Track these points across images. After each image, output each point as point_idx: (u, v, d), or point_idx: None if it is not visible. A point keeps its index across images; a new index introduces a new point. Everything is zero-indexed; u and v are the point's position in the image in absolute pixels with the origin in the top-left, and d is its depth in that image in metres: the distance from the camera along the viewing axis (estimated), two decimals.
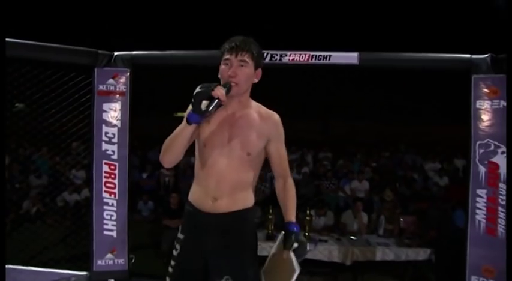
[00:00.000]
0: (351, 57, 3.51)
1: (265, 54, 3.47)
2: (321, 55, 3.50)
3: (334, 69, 3.70)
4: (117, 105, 3.80)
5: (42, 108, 4.51)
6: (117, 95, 3.81)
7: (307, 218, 5.70)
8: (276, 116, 2.21)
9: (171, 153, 2.09)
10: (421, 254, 5.33)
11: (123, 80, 3.81)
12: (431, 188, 9.33)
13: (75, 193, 8.44)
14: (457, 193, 6.84)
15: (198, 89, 1.96)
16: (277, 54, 3.51)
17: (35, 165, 9.88)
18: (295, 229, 2.10)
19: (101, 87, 3.78)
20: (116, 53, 3.83)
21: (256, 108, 2.19)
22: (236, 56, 2.06)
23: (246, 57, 2.07)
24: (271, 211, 5.72)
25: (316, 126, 27.62)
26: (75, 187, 8.59)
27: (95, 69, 3.77)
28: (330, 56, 3.51)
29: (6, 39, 3.37)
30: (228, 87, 2.00)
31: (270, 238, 5.57)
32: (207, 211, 2.15)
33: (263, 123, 2.15)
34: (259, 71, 2.16)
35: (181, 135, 2.04)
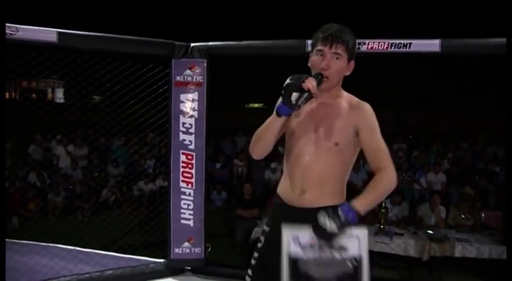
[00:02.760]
0: (432, 45, 3.32)
1: None
2: (400, 43, 3.35)
3: (409, 58, 3.55)
4: (194, 96, 3.83)
5: (121, 99, 4.66)
6: (194, 86, 3.84)
7: (383, 210, 5.57)
8: (366, 105, 2.07)
9: (261, 145, 2.05)
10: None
11: (199, 70, 3.83)
12: None
13: (151, 182, 8.70)
14: None
15: (288, 81, 1.89)
16: None
17: (114, 155, 10.27)
18: (341, 208, 1.84)
19: (178, 78, 3.82)
20: (192, 44, 3.86)
21: (347, 98, 2.08)
22: (330, 47, 1.95)
23: (341, 50, 1.96)
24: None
25: (388, 116, 26.94)
26: (151, 177, 8.86)
27: (172, 61, 3.81)
28: (410, 43, 3.34)
29: (91, 33, 3.51)
30: (320, 79, 1.91)
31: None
32: (293, 204, 2.07)
33: (352, 112, 2.03)
34: (352, 63, 2.05)
35: (271, 127, 1.98)
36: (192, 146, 3.84)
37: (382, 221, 5.53)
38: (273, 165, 8.86)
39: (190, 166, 3.85)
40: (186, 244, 3.93)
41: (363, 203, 1.89)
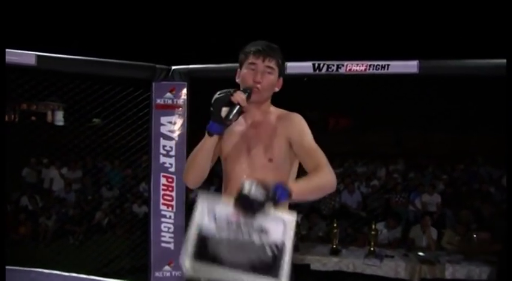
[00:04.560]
0: (410, 66, 3.33)
1: (321, 65, 3.38)
2: (379, 64, 3.35)
3: (404, 79, 3.55)
4: (174, 119, 3.82)
5: (108, 123, 4.67)
6: (175, 109, 3.84)
7: (373, 232, 5.52)
8: (294, 115, 2.00)
9: (195, 171, 1.95)
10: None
11: (180, 93, 3.84)
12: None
13: (144, 205, 8.64)
14: None
15: (216, 96, 1.85)
16: (333, 65, 3.39)
17: (107, 177, 10.24)
18: (274, 184, 1.62)
19: (158, 101, 3.82)
20: (173, 67, 3.87)
21: (275, 113, 2.01)
22: (263, 60, 1.92)
23: (273, 64, 1.94)
24: (335, 224, 5.57)
25: (389, 138, 26.90)
26: (145, 199, 8.80)
27: (153, 84, 3.82)
28: (388, 65, 3.35)
29: (68, 56, 3.52)
30: (249, 93, 1.87)
31: (335, 253, 5.41)
32: None
33: (281, 124, 1.96)
34: (281, 80, 2.02)
35: (203, 149, 1.90)
36: (172, 169, 3.81)
37: (372, 243, 5.47)
38: None
39: (170, 188, 3.82)
40: (167, 267, 3.88)
41: (297, 187, 1.72)
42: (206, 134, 1.88)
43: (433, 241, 5.95)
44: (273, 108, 2.05)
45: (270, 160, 1.92)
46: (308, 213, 6.74)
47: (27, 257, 5.72)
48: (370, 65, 3.36)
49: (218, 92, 1.85)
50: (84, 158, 10.81)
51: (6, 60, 3.26)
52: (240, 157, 1.96)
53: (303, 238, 6.00)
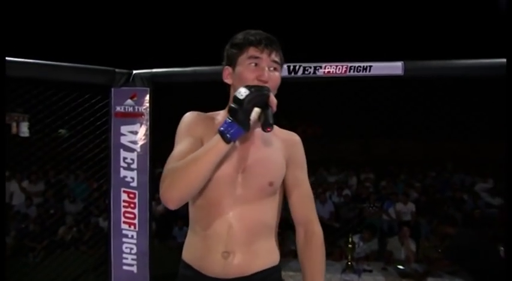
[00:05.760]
0: (394, 67, 3.05)
1: (297, 67, 3.11)
2: (360, 66, 3.08)
3: (373, 84, 3.31)
4: (135, 128, 3.46)
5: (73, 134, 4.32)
6: (137, 117, 3.48)
7: (349, 245, 5.25)
8: (297, 137, 1.69)
9: (187, 186, 1.42)
10: None
11: (142, 100, 3.50)
12: (483, 210, 8.66)
13: None
14: None
15: (249, 91, 1.41)
16: (310, 67, 3.11)
17: (70, 191, 9.82)
18: None
19: (118, 108, 3.45)
20: (134, 72, 3.51)
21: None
22: (269, 54, 1.53)
23: (279, 59, 1.56)
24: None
25: (357, 146, 26.92)
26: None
27: (112, 89, 3.46)
28: (370, 66, 3.08)
29: (16, 59, 3.15)
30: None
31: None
32: (215, 274, 1.53)
33: (282, 143, 1.63)
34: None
35: (210, 159, 1.41)
36: (134, 184, 3.45)
37: (349, 257, 5.21)
38: None
39: (132, 205, 3.45)
40: None
41: None
42: (216, 140, 1.42)
43: (412, 253, 5.74)
44: None
45: (271, 184, 1.57)
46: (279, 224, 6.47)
47: None
48: (350, 67, 3.08)
49: (248, 87, 1.43)
50: (47, 171, 10.35)
51: None
52: (230, 176, 1.55)
53: None
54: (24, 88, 3.60)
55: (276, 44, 1.56)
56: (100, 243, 7.59)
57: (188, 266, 1.60)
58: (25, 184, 9.65)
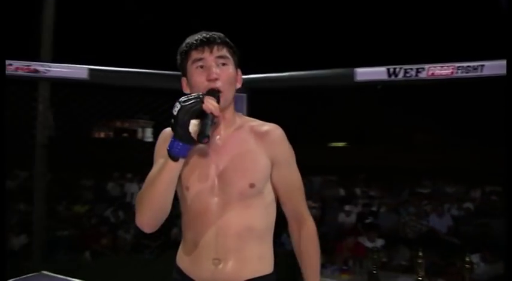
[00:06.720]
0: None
1: (397, 69, 2.90)
2: (470, 66, 2.78)
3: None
4: None
5: None
6: None
7: (467, 265, 4.78)
8: (278, 130, 1.59)
9: (152, 210, 1.44)
10: None
11: (240, 106, 3.43)
12: None
13: None
14: None
15: (180, 104, 1.36)
16: (412, 69, 2.87)
17: None
18: None
19: None
20: None
21: (247, 124, 1.60)
22: (211, 51, 1.49)
23: (225, 52, 1.51)
24: (420, 253, 4.91)
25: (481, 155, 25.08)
26: None
27: None
28: (482, 66, 2.76)
29: (120, 69, 3.30)
30: (218, 96, 1.45)
31: None
32: None
33: (261, 140, 1.54)
34: (240, 73, 1.60)
35: (164, 179, 1.41)
36: None
37: (466, 278, 4.75)
38: (347, 208, 8.32)
39: None
40: None
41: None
42: (166, 160, 1.41)
43: None
44: (239, 117, 1.65)
45: (252, 186, 1.50)
46: (390, 237, 6.16)
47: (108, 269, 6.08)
48: (458, 67, 2.79)
49: (181, 99, 1.38)
50: None
51: (57, 75, 3.14)
52: (209, 183, 1.52)
53: (383, 266, 5.39)
54: (152, 97, 3.77)
55: (217, 39, 1.51)
56: None
57: (180, 272, 1.60)
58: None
